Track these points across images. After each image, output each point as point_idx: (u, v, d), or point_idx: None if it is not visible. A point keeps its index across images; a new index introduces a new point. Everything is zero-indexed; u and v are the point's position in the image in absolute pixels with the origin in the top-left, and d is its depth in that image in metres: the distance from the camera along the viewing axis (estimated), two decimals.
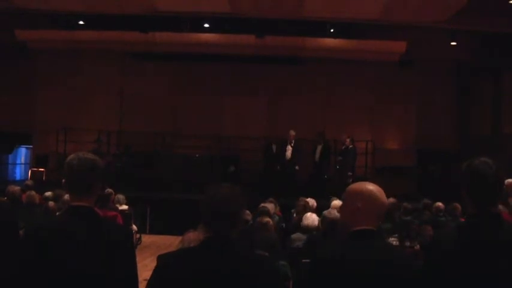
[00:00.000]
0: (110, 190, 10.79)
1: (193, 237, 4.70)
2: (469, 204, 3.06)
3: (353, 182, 3.24)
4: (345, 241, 3.01)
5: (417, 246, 8.30)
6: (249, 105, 19.67)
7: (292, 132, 16.64)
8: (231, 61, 19.52)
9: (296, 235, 8.01)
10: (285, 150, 16.69)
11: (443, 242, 3.03)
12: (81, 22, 17.20)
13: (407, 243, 8.60)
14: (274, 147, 17.22)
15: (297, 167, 16.55)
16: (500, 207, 7.45)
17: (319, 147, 17.02)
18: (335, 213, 7.54)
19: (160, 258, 2.93)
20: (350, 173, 16.26)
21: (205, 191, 2.95)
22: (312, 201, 10.15)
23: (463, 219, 9.56)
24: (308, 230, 7.87)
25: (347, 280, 2.85)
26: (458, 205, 9.95)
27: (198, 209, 2.92)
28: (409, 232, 9.05)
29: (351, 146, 16.71)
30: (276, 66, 19.80)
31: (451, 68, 20.19)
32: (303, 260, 6.55)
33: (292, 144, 16.64)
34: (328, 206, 9.98)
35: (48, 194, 10.45)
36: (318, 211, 9.37)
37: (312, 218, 8.07)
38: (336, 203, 9.65)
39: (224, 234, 2.86)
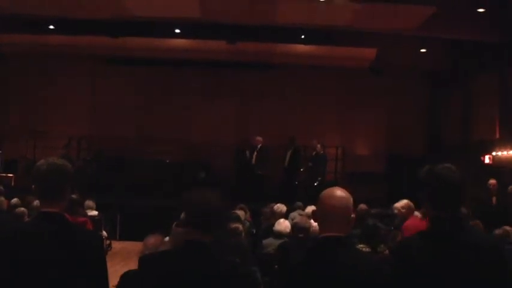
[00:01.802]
0: (75, 196, 10.66)
1: (154, 242, 4.69)
2: (430, 209, 3.11)
3: (321, 187, 3.26)
4: (314, 247, 3.01)
5: (386, 252, 8.34)
6: (220, 110, 19.63)
7: (258, 138, 16.70)
8: (202, 66, 19.49)
9: (268, 240, 8.00)
10: (252, 156, 16.78)
11: (410, 247, 3.07)
12: (51, 26, 17.04)
13: (378, 249, 8.64)
14: (247, 152, 17.24)
15: (259, 172, 16.56)
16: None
17: (289, 153, 17.08)
18: (306, 219, 7.58)
19: (142, 260, 2.95)
20: (319, 178, 16.32)
21: (186, 194, 2.97)
22: (281, 207, 10.15)
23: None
24: (281, 235, 7.87)
25: (318, 286, 2.86)
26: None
27: (169, 215, 2.95)
28: (379, 237, 9.09)
29: (321, 152, 16.76)
30: (248, 72, 19.81)
31: (421, 75, 20.37)
32: (276, 266, 6.57)
33: (257, 150, 16.69)
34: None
35: (16, 200, 10.30)
36: (285, 216, 9.43)
37: (284, 224, 8.08)
38: (309, 208, 9.70)
39: (205, 238, 2.90)
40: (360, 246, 8.30)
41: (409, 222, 8.25)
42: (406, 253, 3.04)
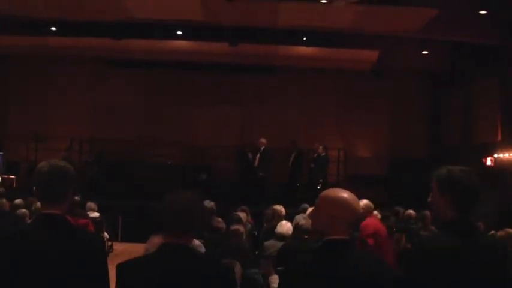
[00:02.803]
0: (76, 198, 10.68)
1: (158, 241, 4.70)
2: (447, 211, 3.11)
3: (323, 189, 3.23)
4: (319, 250, 2.99)
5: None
6: (221, 113, 19.61)
7: (262, 140, 16.72)
8: (204, 69, 19.48)
9: (270, 242, 7.99)
10: (255, 158, 16.80)
11: (427, 249, 3.08)
12: (53, 28, 17.04)
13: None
14: (250, 155, 17.25)
15: (261, 174, 16.56)
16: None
17: (293, 156, 17.09)
18: (309, 221, 7.57)
19: (119, 267, 2.94)
20: (320, 180, 16.31)
21: (163, 198, 2.96)
22: (280, 208, 10.11)
23: (432, 227, 9.67)
24: (283, 237, 7.86)
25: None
26: (428, 213, 10.01)
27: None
28: None
29: (323, 154, 16.77)
30: (249, 75, 19.81)
31: (423, 77, 20.36)
32: (278, 268, 6.56)
33: (260, 152, 16.71)
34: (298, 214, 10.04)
35: (18, 201, 10.30)
36: (288, 218, 9.41)
37: (287, 226, 8.07)
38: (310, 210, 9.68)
39: (184, 240, 2.90)
40: None
41: (367, 221, 8.42)
42: (425, 255, 3.05)
